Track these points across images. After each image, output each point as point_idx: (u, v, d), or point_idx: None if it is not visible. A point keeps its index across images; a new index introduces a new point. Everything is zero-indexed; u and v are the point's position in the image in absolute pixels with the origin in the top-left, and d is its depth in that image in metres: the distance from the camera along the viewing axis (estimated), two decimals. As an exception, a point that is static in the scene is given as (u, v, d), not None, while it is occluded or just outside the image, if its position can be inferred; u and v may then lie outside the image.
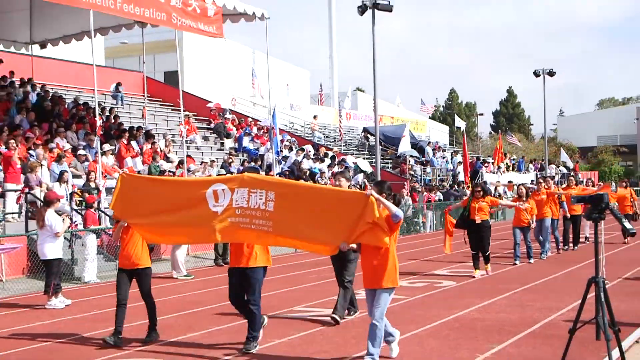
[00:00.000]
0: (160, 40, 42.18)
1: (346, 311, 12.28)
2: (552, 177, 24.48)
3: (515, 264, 19.72)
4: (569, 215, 23.23)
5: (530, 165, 58.57)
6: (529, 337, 10.92)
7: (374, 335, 8.46)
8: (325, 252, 9.01)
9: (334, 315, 11.74)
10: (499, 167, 50.87)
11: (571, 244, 23.86)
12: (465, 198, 18.89)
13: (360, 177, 38.63)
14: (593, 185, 28.45)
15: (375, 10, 31.86)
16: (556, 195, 22.32)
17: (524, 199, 20.05)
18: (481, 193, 17.86)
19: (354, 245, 8.74)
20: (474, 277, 17.14)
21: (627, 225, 7.51)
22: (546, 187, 21.84)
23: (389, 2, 31.86)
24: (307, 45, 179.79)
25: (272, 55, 30.06)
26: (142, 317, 11.16)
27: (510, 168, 54.06)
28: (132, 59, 46.33)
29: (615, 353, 6.71)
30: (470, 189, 24.00)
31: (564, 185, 24.86)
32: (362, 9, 32.10)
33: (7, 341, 11.31)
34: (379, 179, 34.60)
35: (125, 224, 10.23)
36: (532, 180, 23.22)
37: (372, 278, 8.59)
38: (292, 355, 9.30)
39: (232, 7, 26.80)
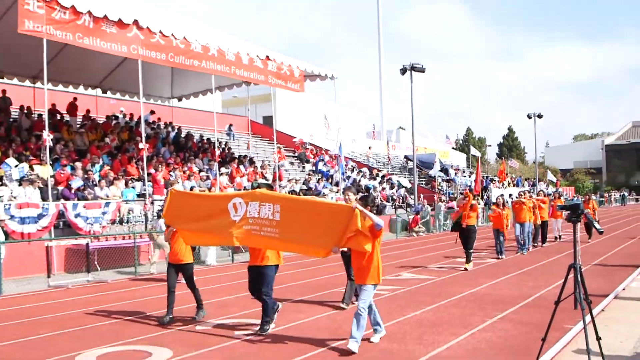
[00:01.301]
0: (260, 94, 42.49)
1: (353, 298, 11.10)
2: (529, 191, 23.88)
3: (500, 258, 18.63)
4: (539, 221, 22.31)
5: (525, 182, 58.60)
6: (525, 307, 10.82)
7: (357, 322, 7.79)
8: (321, 254, 8.19)
9: (342, 305, 10.99)
10: (502, 184, 50.86)
11: (540, 242, 22.76)
12: (462, 204, 17.64)
13: (402, 190, 38.53)
14: (558, 197, 27.94)
15: (412, 72, 31.79)
16: (531, 205, 21.14)
17: (501, 207, 19.07)
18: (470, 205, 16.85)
19: (345, 249, 8.25)
20: (467, 269, 16.13)
21: (597, 226, 7.35)
22: (525, 198, 20.94)
23: (422, 65, 31.77)
24: (363, 95, 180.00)
25: (338, 103, 30.10)
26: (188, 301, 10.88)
27: (512, 184, 53.79)
28: (240, 107, 46.71)
29: (588, 318, 6.63)
30: (478, 198, 23.21)
31: (539, 197, 24.05)
32: (402, 71, 32.10)
33: (158, 302, 11.50)
34: (416, 194, 34.49)
35: (174, 229, 9.80)
36: (520, 193, 22.45)
37: (359, 275, 7.97)
38: (302, 335, 8.99)
39: (311, 70, 27.05)
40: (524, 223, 20.39)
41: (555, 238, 25.06)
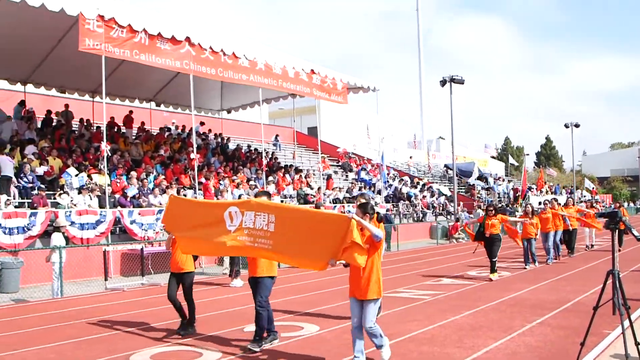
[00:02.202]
0: (305, 105, 42.70)
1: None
2: (556, 200, 22.06)
3: (525, 268, 17.44)
4: (571, 228, 20.82)
5: (563, 190, 57.75)
6: (563, 312, 10.62)
7: (375, 335, 7.18)
8: (317, 267, 7.31)
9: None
10: (540, 191, 50.23)
11: (566, 252, 21.00)
12: (481, 215, 16.73)
13: (442, 198, 38.26)
14: (591, 206, 25.93)
15: (452, 83, 31.60)
16: (560, 213, 19.66)
17: (530, 215, 18.01)
18: (493, 212, 15.70)
19: (343, 261, 7.20)
20: (491, 279, 15.04)
21: (636, 233, 7.18)
22: (551, 207, 19.50)
23: (461, 77, 31.57)
24: (404, 106, 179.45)
25: (380, 114, 30.06)
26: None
27: (550, 192, 53.04)
28: (286, 119, 46.93)
29: (626, 323, 6.49)
30: (525, 205, 21.81)
31: (562, 205, 22.30)
32: (442, 82, 31.93)
33: (210, 304, 11.60)
34: (456, 201, 34.17)
35: (173, 236, 9.13)
36: (552, 199, 21.01)
37: (358, 289, 7.08)
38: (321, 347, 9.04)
39: (354, 83, 27.12)
40: (548, 233, 19.07)
41: (587, 247, 23.77)
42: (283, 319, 10.35)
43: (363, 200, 9.18)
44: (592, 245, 24.08)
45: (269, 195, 8.74)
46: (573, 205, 23.33)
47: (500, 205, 39.53)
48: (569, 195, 51.90)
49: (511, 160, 58.31)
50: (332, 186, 31.35)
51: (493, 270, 15.34)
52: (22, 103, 24.41)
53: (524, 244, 17.95)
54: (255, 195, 8.58)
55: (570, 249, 21.26)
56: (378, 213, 7.77)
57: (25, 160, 19.39)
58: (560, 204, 21.47)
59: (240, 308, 11.38)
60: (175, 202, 8.74)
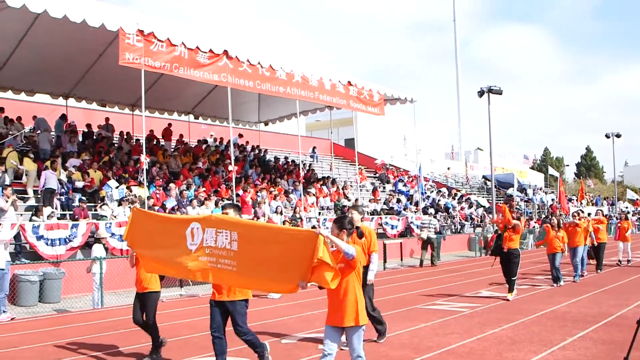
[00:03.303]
0: (342, 117, 42.74)
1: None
2: (582, 211, 20.47)
3: (553, 286, 16.11)
4: (596, 243, 19.70)
5: (604, 202, 56.74)
6: (605, 325, 10.44)
7: None
8: (286, 290, 6.44)
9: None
10: (581, 203, 49.50)
11: (597, 267, 19.87)
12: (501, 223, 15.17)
13: (480, 210, 37.90)
14: (625, 218, 22.69)
15: (490, 94, 31.37)
16: (583, 226, 18.14)
17: (556, 228, 16.63)
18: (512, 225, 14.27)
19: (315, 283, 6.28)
20: (508, 299, 13.74)
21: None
22: (579, 219, 17.99)
23: (499, 88, 31.35)
24: (442, 117, 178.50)
25: (417, 125, 29.98)
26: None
27: (590, 204, 52.18)
28: (323, 130, 47.10)
29: (672, 339, 6.34)
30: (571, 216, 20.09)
31: (595, 217, 21.09)
32: (480, 93, 31.68)
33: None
34: (494, 212, 33.79)
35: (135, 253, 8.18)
36: (578, 211, 19.58)
37: (335, 316, 6.19)
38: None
39: (390, 94, 27.07)
40: (577, 247, 17.66)
41: (618, 262, 22.01)
42: (320, 331, 10.34)
43: (356, 213, 8.91)
44: (628, 261, 22.31)
45: (238, 209, 7.73)
46: (605, 217, 21.98)
47: (545, 216, 39.06)
48: (610, 207, 51.17)
49: (551, 171, 57.42)
50: (377, 197, 31.74)
51: (512, 289, 14.05)
52: (63, 117, 24.92)
53: (549, 259, 16.64)
54: (223, 208, 7.72)
55: (598, 264, 20.03)
56: (358, 228, 7.12)
57: (67, 172, 19.80)
58: (585, 216, 20.03)
59: (281, 319, 11.37)
60: (138, 216, 7.80)
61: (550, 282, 16.70)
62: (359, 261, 6.17)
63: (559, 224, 16.93)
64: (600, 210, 23.38)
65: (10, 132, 21.79)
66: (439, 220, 29.18)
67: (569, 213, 36.72)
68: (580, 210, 20.43)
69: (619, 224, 22.22)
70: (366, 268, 8.80)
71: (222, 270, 6.56)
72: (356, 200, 27.81)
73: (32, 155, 20.16)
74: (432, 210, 29.92)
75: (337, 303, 6.17)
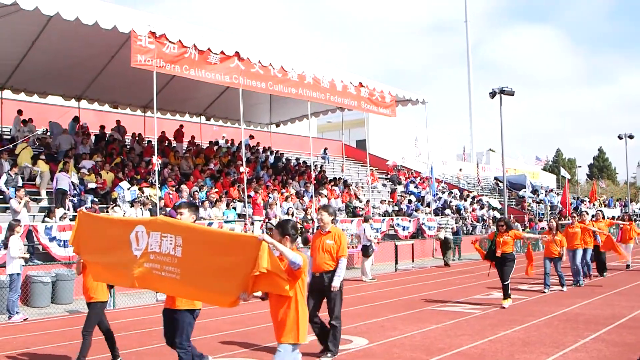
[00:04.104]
0: (353, 119, 42.72)
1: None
2: (586, 212, 19.27)
3: (544, 292, 15.29)
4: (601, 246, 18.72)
5: (617, 203, 56.45)
6: (618, 327, 10.40)
7: None
8: (227, 304, 5.75)
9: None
10: (593, 204, 49.26)
11: (599, 272, 19.06)
12: (491, 231, 14.56)
13: (492, 211, 37.81)
14: (629, 219, 21.81)
15: (502, 95, 31.29)
16: (590, 228, 17.65)
17: (554, 231, 15.74)
18: (504, 228, 13.53)
19: (259, 293, 5.82)
20: (503, 307, 13.00)
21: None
22: (579, 221, 17.49)
23: (511, 89, 31.26)
24: (453, 118, 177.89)
25: (429, 126, 29.92)
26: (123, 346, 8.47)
27: (603, 205, 51.93)
28: (334, 132, 47.10)
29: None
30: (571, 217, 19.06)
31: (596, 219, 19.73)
32: (492, 94, 31.57)
33: (261, 316, 11.66)
34: (506, 214, 33.59)
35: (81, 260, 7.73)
36: (581, 212, 18.48)
37: (278, 329, 5.75)
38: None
39: (402, 96, 27.06)
40: (575, 250, 16.82)
41: (627, 266, 21.25)
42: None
43: (325, 214, 8.45)
44: (627, 266, 21.37)
45: (194, 208, 7.05)
46: (603, 218, 20.49)
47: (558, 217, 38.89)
48: (623, 209, 50.83)
49: (563, 172, 57.22)
50: (396, 198, 31.94)
51: (506, 295, 13.34)
52: (76, 119, 25.08)
53: (545, 264, 15.85)
54: (177, 207, 7.13)
55: (601, 268, 19.20)
56: (302, 234, 6.59)
57: (79, 174, 19.93)
58: (590, 217, 19.36)
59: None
60: (84, 220, 7.24)
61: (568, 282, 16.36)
62: (303, 272, 5.62)
63: (558, 227, 16.09)
64: (601, 211, 22.58)
65: (25, 133, 21.93)
66: (456, 222, 29.31)
67: (570, 215, 36.38)
68: (585, 211, 19.98)
69: (622, 226, 21.35)
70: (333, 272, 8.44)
71: (166, 278, 5.97)
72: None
73: (44, 157, 20.29)
74: (448, 211, 29.92)
75: (278, 317, 5.73)
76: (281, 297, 5.60)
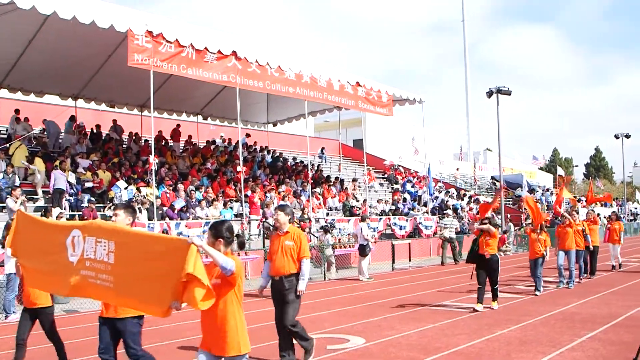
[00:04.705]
0: (350, 118, 42.74)
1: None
2: (576, 210, 18.18)
3: (536, 295, 14.62)
4: (592, 247, 18.19)
5: (613, 202, 56.54)
6: (614, 326, 10.40)
7: None
8: (160, 314, 5.19)
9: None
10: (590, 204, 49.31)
11: (587, 274, 18.39)
12: (477, 228, 13.65)
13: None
14: (618, 219, 20.97)
15: (499, 94, 31.33)
16: (581, 228, 17.01)
17: (538, 230, 15.01)
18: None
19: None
20: (476, 310, 12.29)
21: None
22: (570, 220, 16.48)
23: (508, 88, 31.30)
24: (450, 117, 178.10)
25: (425, 126, 29.98)
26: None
27: (599, 204, 51.96)
28: (331, 131, 47.15)
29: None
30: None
31: (588, 219, 19.21)
32: (489, 94, 31.66)
33: (259, 315, 11.67)
34: (503, 213, 33.60)
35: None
36: (571, 210, 17.77)
37: (212, 341, 5.25)
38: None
39: (399, 95, 27.10)
40: (569, 250, 16.16)
41: (613, 267, 20.63)
42: (329, 332, 10.39)
43: (282, 214, 7.94)
44: (619, 265, 20.79)
45: (130, 210, 6.56)
46: (595, 217, 19.95)
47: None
48: (619, 208, 50.83)
49: (560, 171, 57.39)
50: (398, 198, 31.87)
51: (495, 296, 12.80)
52: (72, 118, 25.02)
53: (530, 265, 15.30)
54: (114, 208, 6.72)
55: (591, 269, 18.63)
56: (239, 237, 6.27)
57: (76, 174, 19.90)
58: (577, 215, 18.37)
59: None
60: (22, 221, 6.62)
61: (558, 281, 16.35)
62: (239, 277, 5.15)
63: (542, 226, 15.29)
64: (592, 210, 21.97)
65: (20, 132, 21.89)
66: (459, 221, 29.47)
67: (559, 214, 36.25)
68: (575, 210, 19.56)
69: (609, 225, 20.75)
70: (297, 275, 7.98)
71: (101, 286, 5.46)
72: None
73: (40, 156, 20.27)
74: (450, 211, 29.94)
75: (214, 328, 5.23)
76: (215, 307, 5.06)
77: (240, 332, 5.23)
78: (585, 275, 18.13)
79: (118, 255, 5.32)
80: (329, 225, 22.33)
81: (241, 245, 6.18)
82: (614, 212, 23.67)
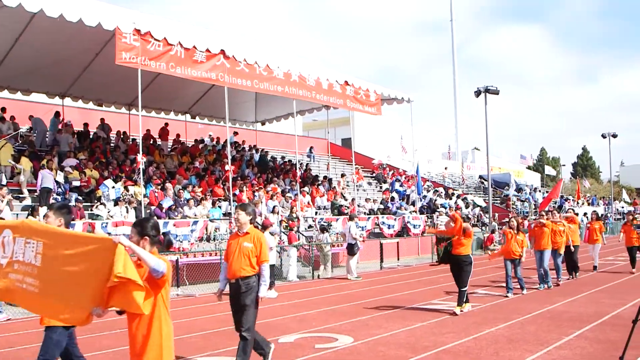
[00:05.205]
0: (339, 117, 42.72)
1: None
2: (557, 210, 17.64)
3: (507, 297, 14.20)
4: (572, 247, 17.58)
5: (600, 201, 56.89)
6: (601, 325, 10.47)
7: None
8: (79, 322, 4.77)
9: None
10: (577, 203, 49.65)
11: (572, 273, 18.12)
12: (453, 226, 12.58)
13: (477, 210, 37.96)
14: (597, 218, 20.61)
15: (487, 94, 31.43)
16: (562, 229, 16.66)
17: (514, 231, 14.65)
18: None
19: (115, 309, 4.80)
20: (455, 313, 11.87)
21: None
22: (546, 219, 16.22)
23: (496, 88, 31.41)
24: (438, 117, 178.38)
25: (414, 125, 30.01)
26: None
27: (586, 203, 52.32)
28: (320, 130, 47.17)
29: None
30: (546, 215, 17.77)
31: (567, 217, 18.60)
32: (477, 93, 31.77)
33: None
34: (491, 212, 33.65)
35: None
36: (551, 210, 17.52)
37: (135, 351, 4.80)
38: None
39: (388, 94, 27.13)
40: (543, 251, 15.79)
41: (594, 267, 20.12)
42: (317, 330, 10.39)
43: (242, 213, 7.55)
44: (594, 268, 20.20)
45: (65, 211, 6.18)
46: (575, 216, 19.63)
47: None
48: (606, 207, 51.22)
49: (547, 170, 57.70)
50: (387, 196, 32.21)
51: (462, 301, 12.18)
52: (57, 114, 24.72)
53: (506, 266, 14.72)
54: (47, 209, 6.31)
55: (573, 269, 18.15)
56: (166, 235, 5.57)
57: (63, 172, 19.79)
58: (560, 215, 18.42)
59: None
60: None
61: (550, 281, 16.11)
62: (167, 280, 4.81)
63: (519, 227, 14.97)
64: (572, 209, 21.70)
65: (6, 131, 21.73)
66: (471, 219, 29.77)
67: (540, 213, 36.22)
68: (554, 210, 19.32)
69: (589, 225, 20.40)
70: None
71: (27, 291, 5.01)
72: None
73: (27, 155, 20.13)
74: (443, 209, 30.05)
75: (137, 335, 4.80)
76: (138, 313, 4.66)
77: (164, 343, 4.81)
78: (565, 277, 17.72)
79: (45, 257, 4.93)
80: (326, 224, 22.38)
81: (168, 245, 5.62)
82: (594, 211, 23.36)
